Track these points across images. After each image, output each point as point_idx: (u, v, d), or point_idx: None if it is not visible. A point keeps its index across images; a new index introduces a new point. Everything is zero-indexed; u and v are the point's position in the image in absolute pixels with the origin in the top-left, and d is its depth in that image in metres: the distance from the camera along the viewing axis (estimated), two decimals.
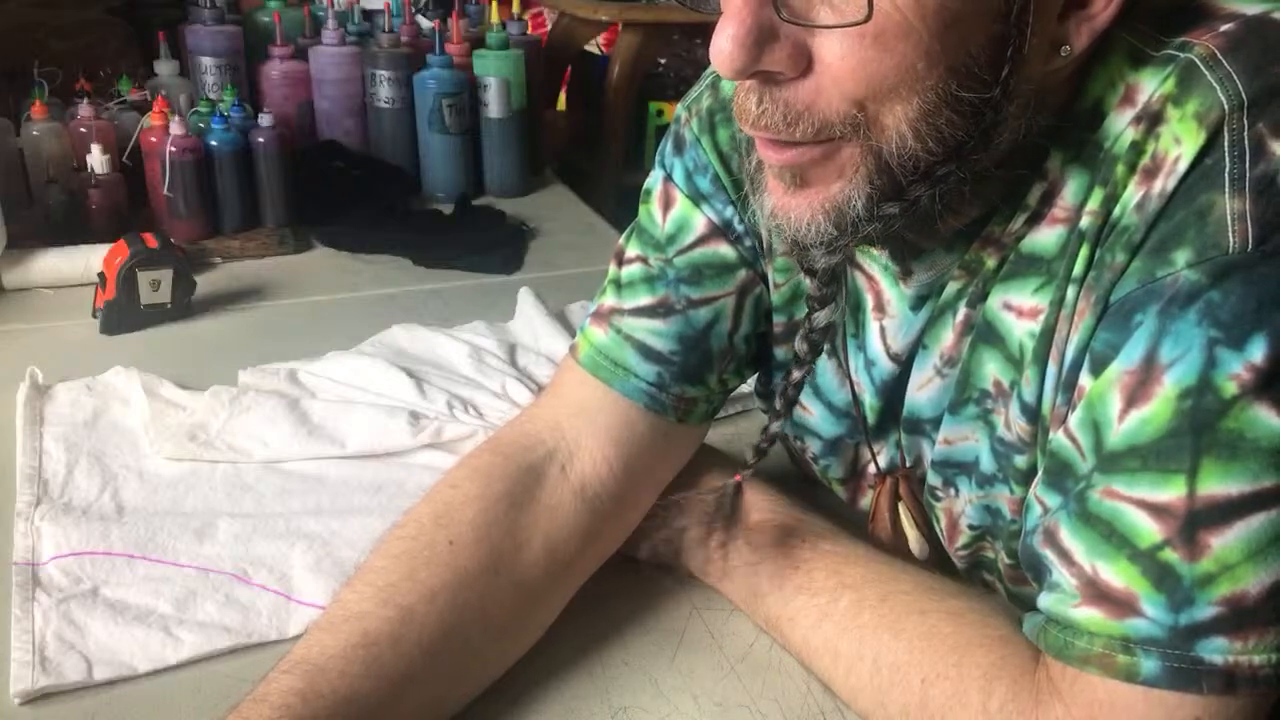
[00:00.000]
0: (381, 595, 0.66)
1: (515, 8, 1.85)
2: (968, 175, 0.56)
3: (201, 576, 0.81)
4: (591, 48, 2.49)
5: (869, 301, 0.71)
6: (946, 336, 0.67)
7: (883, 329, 0.71)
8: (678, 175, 0.76)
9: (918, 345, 0.69)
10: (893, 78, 0.51)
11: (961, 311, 0.65)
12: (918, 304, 0.68)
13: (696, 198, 0.75)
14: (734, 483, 0.73)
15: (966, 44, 0.51)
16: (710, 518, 0.72)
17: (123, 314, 1.22)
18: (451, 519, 0.71)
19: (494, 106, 1.74)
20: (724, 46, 0.52)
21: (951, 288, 0.65)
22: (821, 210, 0.57)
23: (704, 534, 0.73)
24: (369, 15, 1.85)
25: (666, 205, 0.77)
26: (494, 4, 1.83)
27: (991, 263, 0.63)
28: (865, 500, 0.81)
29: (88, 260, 1.31)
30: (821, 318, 0.69)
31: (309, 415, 1.01)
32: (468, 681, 0.69)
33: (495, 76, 1.72)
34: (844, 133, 0.54)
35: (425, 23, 1.89)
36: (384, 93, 1.69)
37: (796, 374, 0.70)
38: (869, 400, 0.74)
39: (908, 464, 0.76)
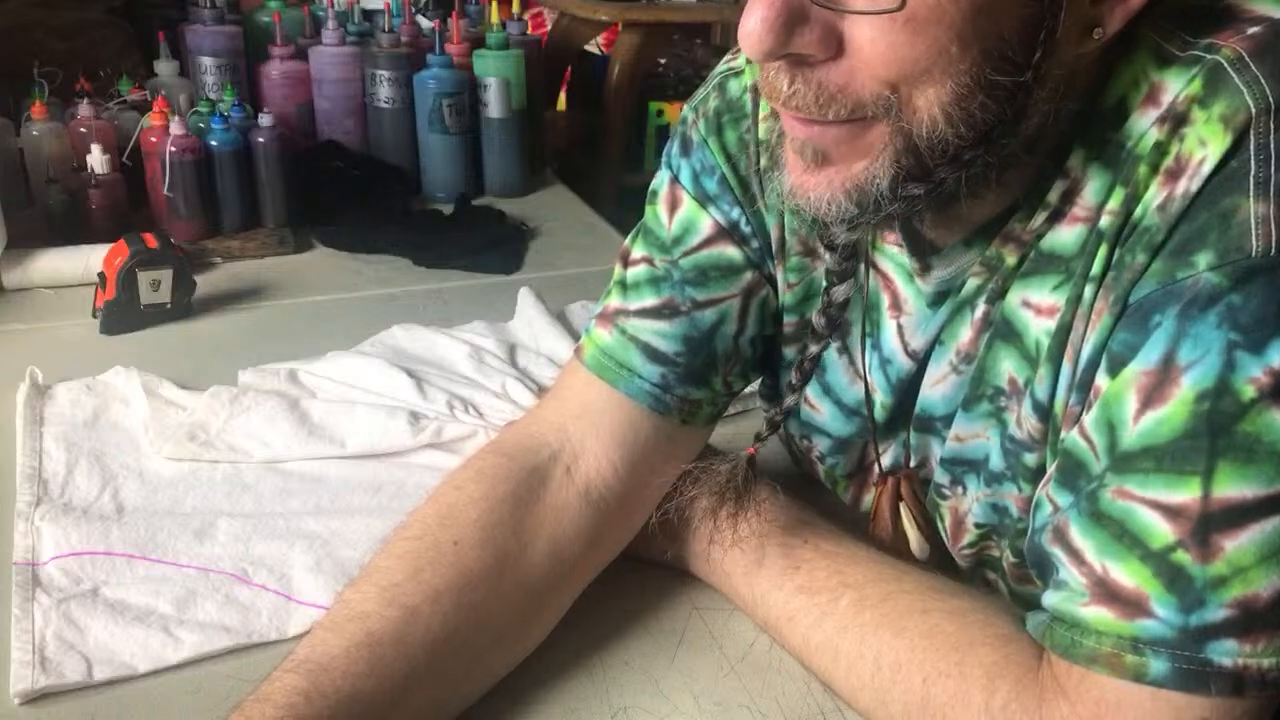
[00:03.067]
0: (386, 595, 0.66)
1: (515, 8, 1.85)
2: (995, 160, 0.56)
3: (201, 576, 0.81)
4: (591, 48, 2.49)
5: (885, 300, 0.71)
6: (964, 333, 0.67)
7: (900, 327, 0.71)
8: (684, 176, 0.76)
9: (935, 342, 0.69)
10: (925, 61, 0.51)
11: (980, 308, 0.65)
12: (936, 300, 0.68)
13: (703, 199, 0.75)
14: (747, 455, 0.73)
15: (999, 26, 0.51)
16: (723, 489, 0.72)
17: (123, 314, 1.21)
18: (456, 520, 0.71)
19: (494, 106, 1.74)
20: (753, 28, 0.52)
21: (971, 284, 0.65)
22: (842, 189, 0.57)
23: (715, 504, 0.73)
24: (369, 15, 1.85)
25: (673, 206, 0.77)
26: (494, 4, 1.83)
27: (1012, 260, 0.63)
28: (868, 499, 0.81)
29: (88, 260, 1.31)
30: (840, 292, 0.69)
31: (309, 415, 1.00)
32: (471, 682, 0.69)
33: (495, 76, 1.72)
34: (876, 113, 0.54)
35: (425, 23, 1.89)
36: (384, 93, 1.69)
37: (814, 348, 0.71)
38: (881, 399, 0.74)
39: (913, 463, 0.76)
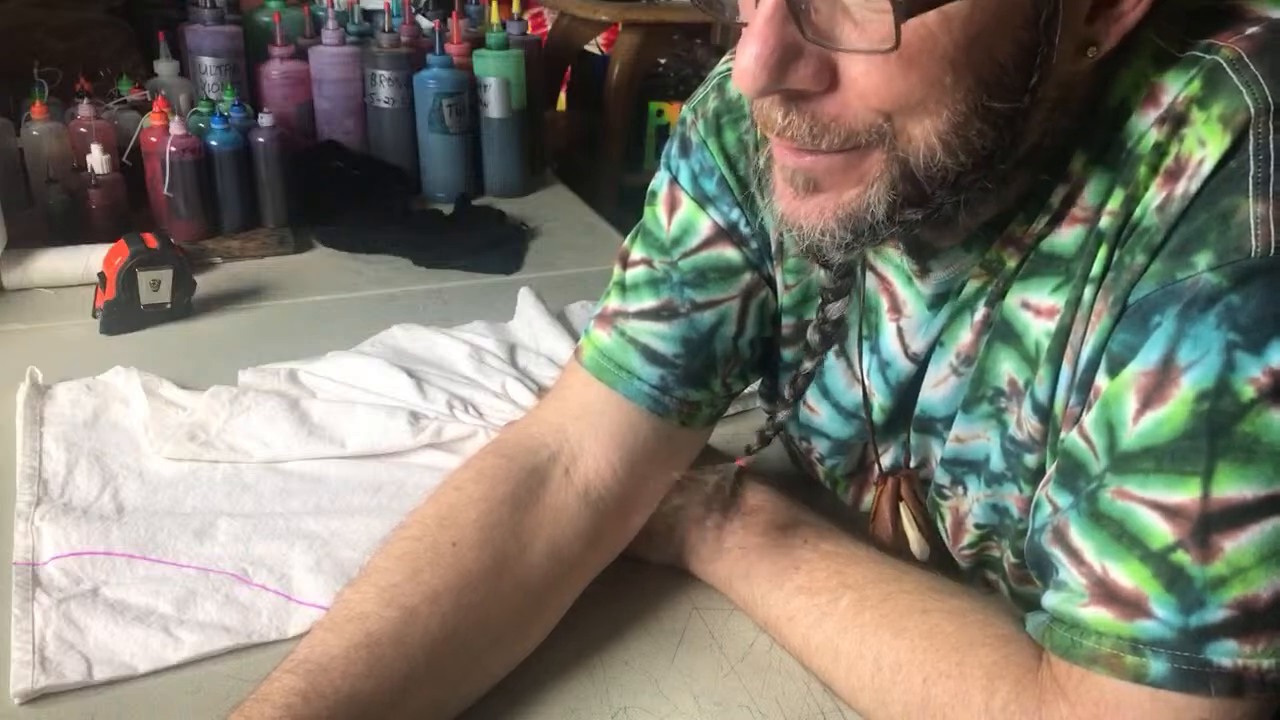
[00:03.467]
0: (385, 596, 0.66)
1: (515, 8, 1.85)
2: (991, 185, 0.56)
3: (201, 576, 0.81)
4: (591, 48, 2.49)
5: (884, 303, 0.71)
6: (964, 335, 0.67)
7: (900, 329, 0.71)
8: (683, 177, 0.76)
9: (936, 344, 0.69)
10: (919, 92, 0.51)
11: (980, 310, 0.65)
12: (936, 303, 0.68)
13: (702, 200, 0.75)
14: (735, 467, 0.73)
15: (994, 53, 0.51)
16: (709, 500, 0.72)
17: (123, 314, 1.21)
18: (455, 520, 0.71)
19: (494, 106, 1.74)
20: (748, 66, 0.52)
21: (971, 286, 0.65)
22: (834, 216, 0.57)
23: (701, 515, 0.73)
24: (369, 15, 1.85)
25: (672, 208, 0.77)
26: (494, 4, 1.83)
27: (1012, 262, 0.63)
28: (869, 499, 0.81)
29: (88, 260, 1.31)
30: (835, 309, 0.69)
31: (309, 415, 1.00)
32: (469, 683, 0.69)
33: (495, 76, 1.72)
34: (870, 140, 0.54)
35: (425, 23, 1.89)
36: (384, 93, 1.69)
37: (808, 365, 0.71)
38: (880, 401, 0.74)
39: (913, 464, 0.76)
